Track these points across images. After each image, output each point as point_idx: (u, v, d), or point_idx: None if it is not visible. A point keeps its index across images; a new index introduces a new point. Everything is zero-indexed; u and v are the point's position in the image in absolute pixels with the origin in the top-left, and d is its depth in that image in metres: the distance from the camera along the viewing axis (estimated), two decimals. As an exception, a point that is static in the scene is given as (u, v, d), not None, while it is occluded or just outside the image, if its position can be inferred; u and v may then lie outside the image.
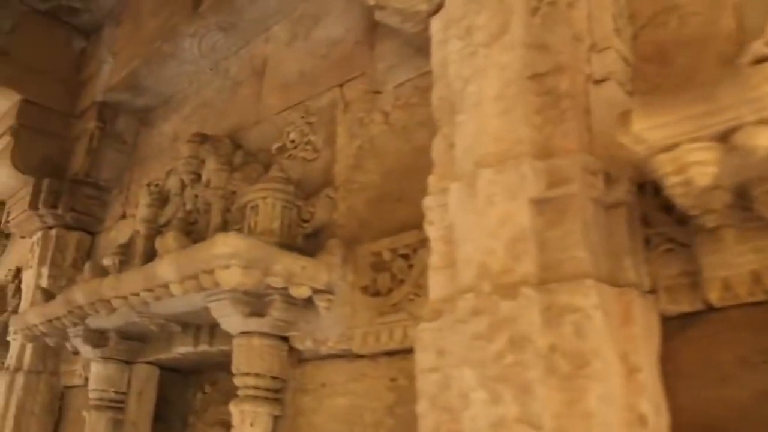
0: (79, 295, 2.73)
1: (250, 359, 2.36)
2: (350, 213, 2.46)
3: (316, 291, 2.23)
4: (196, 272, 2.14)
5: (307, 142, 2.77)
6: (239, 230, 2.62)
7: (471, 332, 1.54)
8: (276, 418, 2.37)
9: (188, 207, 3.11)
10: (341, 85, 2.75)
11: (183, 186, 3.23)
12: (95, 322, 3.08)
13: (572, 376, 1.41)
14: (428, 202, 1.80)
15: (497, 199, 1.63)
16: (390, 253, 2.16)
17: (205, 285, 2.14)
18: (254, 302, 2.36)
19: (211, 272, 2.09)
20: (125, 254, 3.38)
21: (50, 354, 3.92)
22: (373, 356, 2.11)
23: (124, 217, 3.99)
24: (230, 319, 2.38)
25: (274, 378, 2.38)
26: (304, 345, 2.38)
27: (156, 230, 3.25)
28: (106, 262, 3.45)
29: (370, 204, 2.39)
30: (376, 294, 2.15)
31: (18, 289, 4.45)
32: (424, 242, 2.06)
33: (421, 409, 1.62)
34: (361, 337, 2.13)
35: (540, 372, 1.43)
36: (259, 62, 3.31)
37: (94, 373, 3.25)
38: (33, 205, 3.99)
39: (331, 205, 2.53)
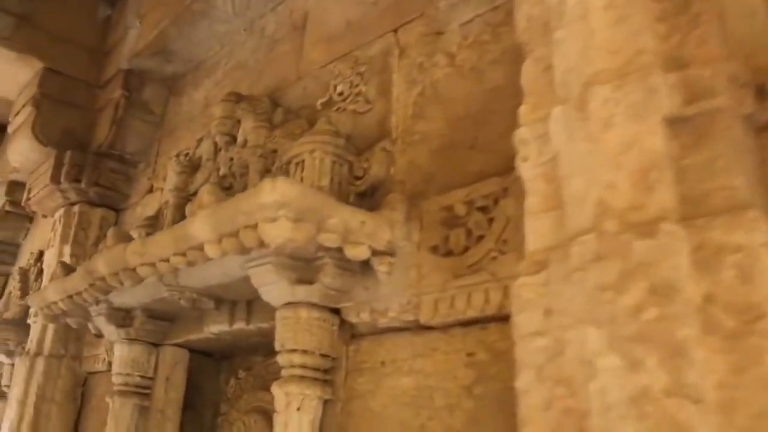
0: (101, 264, 2.45)
1: (297, 334, 2.05)
2: (411, 167, 2.14)
3: (375, 252, 1.91)
4: (236, 228, 1.83)
5: (358, 94, 2.46)
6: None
7: (593, 283, 1.22)
8: (326, 402, 2.05)
9: (222, 171, 2.82)
10: (395, 30, 2.44)
11: (216, 150, 2.95)
12: (119, 298, 2.80)
13: (740, 334, 1.08)
14: (522, 134, 1.48)
15: (617, 120, 1.31)
16: (465, 207, 1.83)
17: (247, 243, 1.82)
18: (302, 267, 2.05)
19: (254, 227, 1.78)
20: (153, 226, 3.09)
21: (72, 337, 3.66)
22: (446, 327, 1.79)
23: (151, 191, 3.71)
24: (274, 287, 2.07)
25: (323, 356, 2.07)
26: (359, 317, 2.06)
27: (186, 199, 2.97)
28: (133, 234, 3.18)
29: (435, 155, 2.07)
30: (449, 254, 1.83)
31: (40, 273, 4.21)
32: (506, 191, 1.75)
33: (523, 383, 1.30)
34: (431, 304, 1.80)
35: (695, 329, 1.10)
36: (299, 17, 3.01)
37: (118, 356, 2.97)
38: (55, 179, 3.73)
39: (387, 160, 2.22)
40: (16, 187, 4.52)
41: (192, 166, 3.06)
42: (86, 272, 2.57)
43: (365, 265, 2.02)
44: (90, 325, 3.21)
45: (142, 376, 2.97)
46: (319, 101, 2.61)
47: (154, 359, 3.02)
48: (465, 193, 1.84)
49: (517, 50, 1.63)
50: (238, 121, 2.82)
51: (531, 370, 1.30)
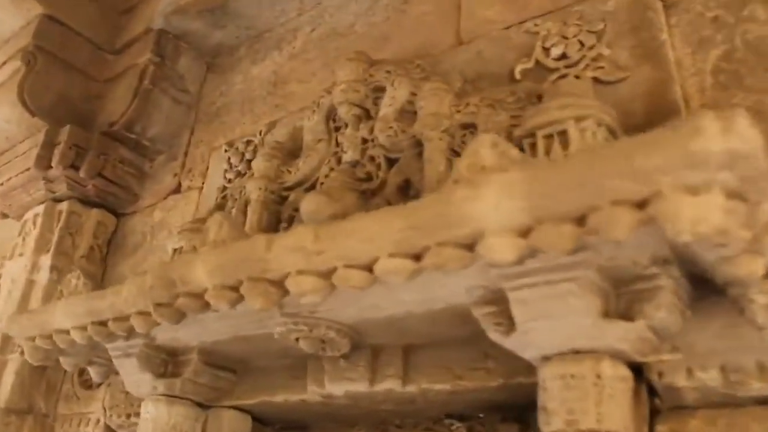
0: (200, 271, 1.50)
1: (598, 404, 1.21)
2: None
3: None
4: (592, 203, 1.01)
5: (596, 58, 1.72)
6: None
7: None
8: None
9: (350, 156, 1.96)
10: (652, -23, 1.75)
11: (332, 128, 2.10)
12: (171, 331, 1.84)
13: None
14: None
15: None
16: None
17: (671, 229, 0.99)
18: (615, 291, 1.24)
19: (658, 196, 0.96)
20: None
21: (42, 386, 2.56)
22: None
23: (178, 191, 2.75)
24: (560, 323, 1.23)
25: (624, 441, 1.24)
26: (694, 378, 1.26)
27: (280, 194, 2.08)
28: (173, 245, 2.23)
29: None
30: None
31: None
32: None
33: None
34: None
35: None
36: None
37: (150, 419, 1.98)
38: (42, 163, 2.69)
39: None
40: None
41: (285, 151, 2.18)
42: (155, 283, 1.60)
43: (708, 294, 1.25)
44: (94, 370, 2.20)
45: (186, 455, 1.98)
46: (520, 67, 1.84)
47: (200, 428, 2.04)
48: None
49: None
50: (378, 88, 2.00)
51: None
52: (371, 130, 1.98)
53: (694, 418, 1.28)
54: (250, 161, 2.45)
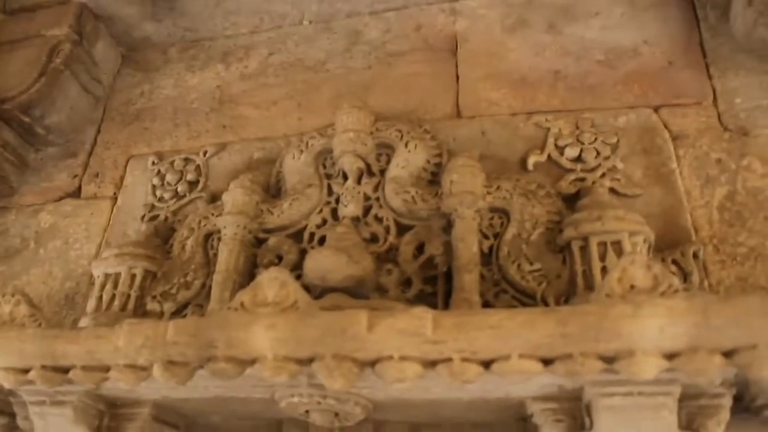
0: (262, 338, 1.28)
1: None
2: (745, 286, 1.65)
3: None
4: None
5: (612, 169, 1.87)
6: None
7: None
8: None
9: (350, 211, 1.85)
10: (656, 109, 1.96)
11: (323, 174, 1.97)
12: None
13: None
14: None
15: None
16: None
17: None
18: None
19: None
20: (152, 260, 1.92)
21: None
22: None
23: (77, 195, 2.33)
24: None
25: None
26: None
27: (257, 235, 1.91)
28: (104, 269, 1.92)
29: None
30: None
31: None
32: None
33: None
34: None
35: None
36: (442, 38, 2.29)
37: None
38: None
39: (700, 269, 1.68)
40: None
41: (264, 186, 2.00)
42: (180, 339, 1.34)
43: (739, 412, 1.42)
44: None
45: None
46: (533, 159, 1.92)
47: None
48: None
49: None
50: (380, 145, 1.94)
51: None
52: (376, 188, 1.90)
53: None
54: (192, 183, 2.18)
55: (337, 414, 1.54)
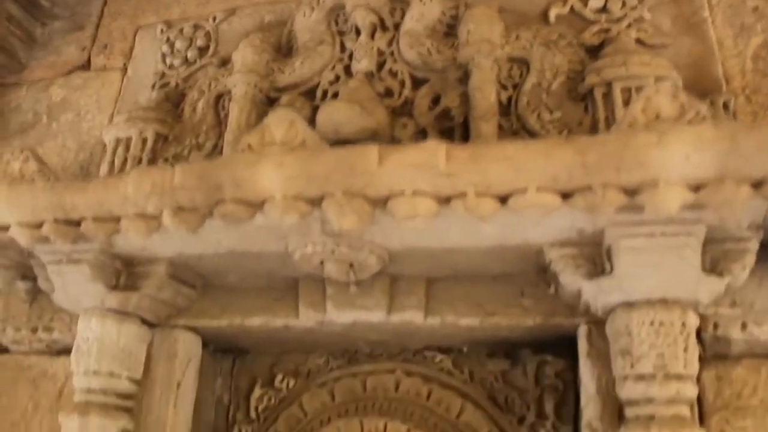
0: (270, 176, 1.26)
1: (664, 349, 1.28)
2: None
3: None
4: None
5: (639, 20, 1.76)
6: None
7: None
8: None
9: (364, 67, 1.78)
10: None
11: (335, 32, 1.89)
12: (136, 239, 1.55)
13: None
14: None
15: None
16: None
17: None
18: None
19: None
20: (163, 122, 1.88)
21: None
22: None
23: (86, 68, 2.28)
24: (659, 272, 1.26)
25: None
26: (734, 332, 1.40)
27: (268, 94, 1.85)
28: (115, 133, 1.89)
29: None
30: None
31: None
32: None
33: None
34: None
35: None
36: None
37: (93, 339, 1.66)
38: None
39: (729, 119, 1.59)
40: None
41: (276, 45, 1.93)
42: (187, 182, 1.32)
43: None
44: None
45: (132, 380, 1.70)
46: (555, 12, 1.81)
47: (145, 349, 1.77)
48: None
49: None
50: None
51: None
52: (390, 42, 1.82)
53: (740, 366, 1.42)
54: (202, 49, 2.12)
55: (351, 265, 1.53)
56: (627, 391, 1.31)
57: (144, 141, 1.85)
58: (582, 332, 1.48)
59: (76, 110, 2.19)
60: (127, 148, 1.85)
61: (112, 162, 1.85)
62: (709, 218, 1.25)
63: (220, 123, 1.85)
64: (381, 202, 1.23)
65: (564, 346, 1.63)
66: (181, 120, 1.90)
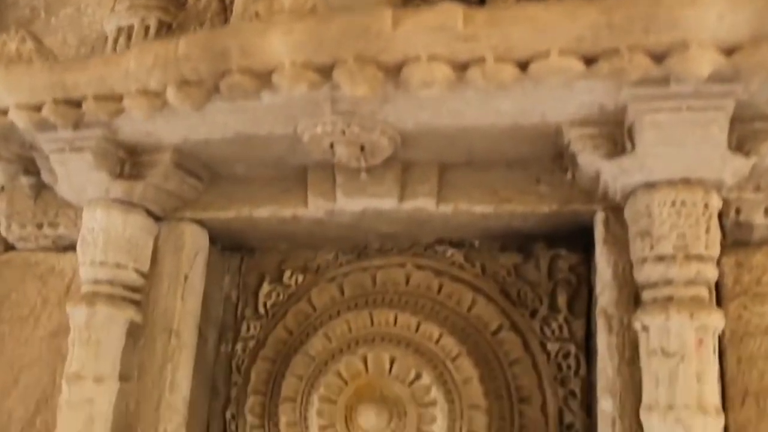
0: (277, 43, 1.19)
1: (694, 230, 1.24)
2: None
3: None
4: None
5: None
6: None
7: None
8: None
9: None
10: None
11: None
12: (140, 124, 1.50)
13: None
14: None
15: None
16: None
17: None
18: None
19: None
20: (169, 12, 1.81)
21: None
22: None
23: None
24: (683, 150, 1.21)
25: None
26: (757, 218, 1.37)
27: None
28: (116, 22, 1.82)
29: None
30: None
31: None
32: None
33: None
34: None
35: None
36: None
37: (99, 230, 1.64)
38: None
39: None
40: None
41: None
42: (192, 52, 1.26)
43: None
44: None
45: (138, 271, 1.69)
46: None
47: (152, 242, 1.74)
48: None
49: None
50: None
51: None
52: None
53: (760, 252, 1.38)
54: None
55: (363, 148, 1.48)
56: (645, 273, 1.27)
57: (146, 29, 1.78)
58: (599, 218, 1.44)
59: (75, 5, 2.12)
60: (129, 37, 1.78)
61: (114, 51, 1.79)
62: (738, 92, 1.19)
63: (225, 9, 1.78)
64: (395, 70, 1.17)
65: (578, 239, 1.60)
66: (185, 7, 1.82)
